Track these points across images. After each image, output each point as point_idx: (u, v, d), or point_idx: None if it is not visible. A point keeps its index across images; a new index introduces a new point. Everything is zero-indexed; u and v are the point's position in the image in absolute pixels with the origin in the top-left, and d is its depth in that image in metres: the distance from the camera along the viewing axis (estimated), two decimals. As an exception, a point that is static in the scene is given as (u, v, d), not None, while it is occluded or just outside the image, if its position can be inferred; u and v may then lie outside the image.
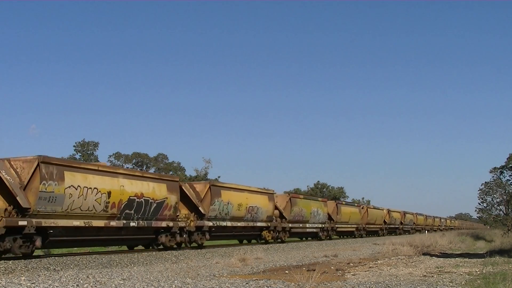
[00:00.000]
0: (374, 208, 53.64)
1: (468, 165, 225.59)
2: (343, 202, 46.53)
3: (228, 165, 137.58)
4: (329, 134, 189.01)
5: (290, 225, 32.53)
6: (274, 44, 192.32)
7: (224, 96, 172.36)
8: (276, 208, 31.22)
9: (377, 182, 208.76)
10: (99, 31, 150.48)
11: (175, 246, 22.66)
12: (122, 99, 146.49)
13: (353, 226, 45.64)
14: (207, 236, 24.50)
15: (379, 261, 19.25)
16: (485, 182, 56.75)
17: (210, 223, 24.39)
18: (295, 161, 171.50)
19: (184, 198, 23.34)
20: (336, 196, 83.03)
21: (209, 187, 24.38)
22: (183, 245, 23.73)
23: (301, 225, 34.41)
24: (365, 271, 15.24)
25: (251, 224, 28.14)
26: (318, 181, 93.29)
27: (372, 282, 11.89)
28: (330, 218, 39.77)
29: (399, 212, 63.09)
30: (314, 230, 36.98)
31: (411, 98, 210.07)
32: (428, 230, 74.08)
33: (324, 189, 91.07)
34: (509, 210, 52.60)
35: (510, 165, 49.80)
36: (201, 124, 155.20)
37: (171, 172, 66.79)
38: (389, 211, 57.13)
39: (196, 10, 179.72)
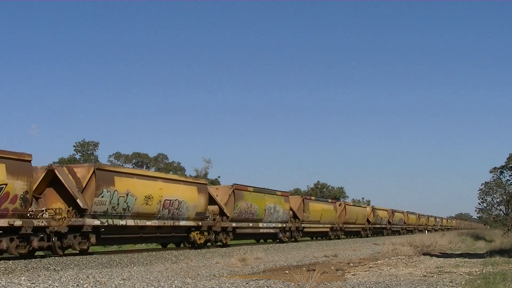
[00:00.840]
0: (355, 205, 49.53)
1: (468, 165, 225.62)
2: (313, 198, 39.85)
3: (228, 165, 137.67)
4: (329, 134, 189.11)
5: (234, 224, 26.62)
6: (274, 44, 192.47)
7: (224, 96, 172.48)
8: (216, 203, 26.12)
9: (377, 182, 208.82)
10: (99, 31, 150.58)
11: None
12: (122, 99, 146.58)
13: (326, 225, 39.70)
14: (93, 239, 18.71)
15: (379, 261, 19.25)
16: (485, 182, 56.87)
17: (96, 221, 18.46)
18: (295, 161, 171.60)
19: (58, 185, 18.31)
20: (336, 196, 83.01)
21: (94, 171, 18.39)
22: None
23: (250, 224, 28.35)
24: (365, 271, 15.24)
25: (170, 223, 22.10)
26: (318, 181, 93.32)
27: (372, 282, 11.90)
28: (295, 216, 34.46)
29: (386, 210, 58.17)
30: (271, 230, 31.01)
31: (411, 98, 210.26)
32: (421, 231, 71.69)
33: (324, 189, 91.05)
34: (509, 210, 52.63)
35: (510, 165, 49.84)
36: (201, 124, 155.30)
37: (171, 172, 66.81)
38: (373, 209, 53.00)
39: (196, 10, 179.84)
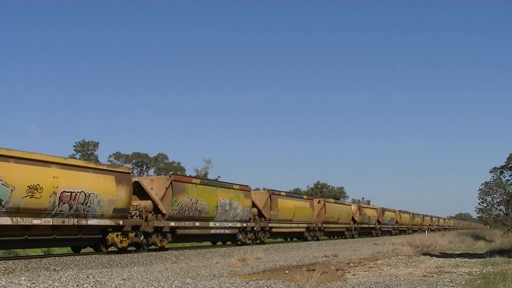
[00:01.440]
0: (337, 202, 44.96)
1: (468, 165, 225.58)
2: (283, 193, 33.55)
3: (228, 165, 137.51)
4: (329, 134, 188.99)
5: (172, 223, 22.36)
6: (274, 44, 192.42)
7: (224, 96, 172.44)
8: (149, 197, 22.05)
9: (377, 182, 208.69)
10: (99, 31, 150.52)
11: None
12: (122, 99, 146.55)
13: (301, 225, 35.23)
14: None
15: (379, 261, 19.26)
16: (485, 182, 56.78)
17: None
18: (295, 161, 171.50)
19: None
20: (336, 196, 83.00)
21: None
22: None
23: (197, 224, 24.06)
24: (365, 271, 15.24)
25: (73, 221, 17.54)
26: (318, 181, 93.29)
27: (372, 282, 11.90)
28: (260, 214, 30.58)
29: (375, 208, 54.72)
30: (228, 231, 26.78)
31: (411, 98, 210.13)
32: (416, 231, 69.49)
33: (324, 189, 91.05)
34: (509, 210, 52.59)
35: (510, 165, 49.81)
36: (201, 124, 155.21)
37: (171, 172, 66.76)
38: (360, 207, 49.38)
39: (196, 10, 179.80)
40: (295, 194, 42.08)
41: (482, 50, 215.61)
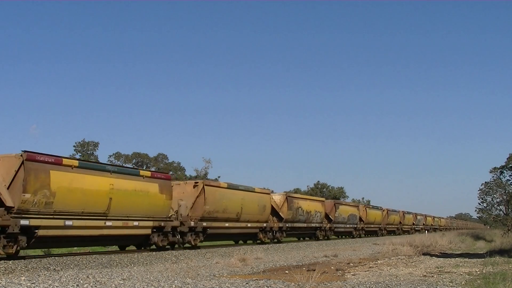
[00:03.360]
0: (306, 198, 38.14)
1: (468, 165, 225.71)
2: (223, 185, 26.44)
3: (228, 165, 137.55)
4: (329, 134, 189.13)
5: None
6: (274, 44, 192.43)
7: (224, 96, 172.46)
8: None
9: (377, 182, 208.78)
10: (99, 31, 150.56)
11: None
12: (122, 99, 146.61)
13: (250, 224, 28.29)
14: None
15: (379, 261, 19.26)
16: (485, 182, 56.75)
17: None
18: (295, 161, 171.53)
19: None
20: (336, 196, 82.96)
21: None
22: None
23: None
24: (365, 271, 15.24)
25: None
26: (318, 181, 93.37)
27: (372, 282, 11.90)
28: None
29: (356, 206, 49.18)
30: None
31: (411, 98, 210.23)
32: (407, 231, 64.98)
33: (324, 189, 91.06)
34: (509, 210, 52.58)
35: (510, 165, 49.79)
36: (201, 124, 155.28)
37: (171, 172, 66.74)
38: (336, 203, 42.95)
39: (196, 10, 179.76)
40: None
41: (482, 50, 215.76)
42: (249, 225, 28.97)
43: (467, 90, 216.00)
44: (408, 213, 68.86)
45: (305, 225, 36.07)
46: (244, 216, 28.14)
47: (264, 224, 30.48)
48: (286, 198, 33.95)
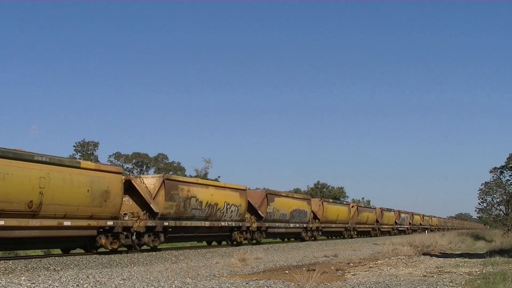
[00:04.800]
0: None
1: (468, 165, 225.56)
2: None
3: (228, 165, 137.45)
4: (329, 134, 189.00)
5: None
6: (274, 44, 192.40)
7: (224, 96, 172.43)
8: None
9: (377, 182, 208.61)
10: (99, 31, 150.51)
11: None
12: (122, 99, 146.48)
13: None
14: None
15: (379, 261, 19.26)
16: (485, 182, 56.91)
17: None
18: (295, 161, 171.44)
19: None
20: (336, 196, 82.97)
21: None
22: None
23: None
24: (365, 271, 15.24)
25: None
26: (318, 181, 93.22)
27: (372, 282, 11.90)
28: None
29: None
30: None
31: (411, 98, 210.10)
32: (403, 231, 60.76)
33: (324, 189, 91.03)
34: (509, 210, 52.65)
35: (510, 165, 49.84)
36: (201, 124, 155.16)
37: (171, 172, 66.81)
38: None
39: (196, 10, 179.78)
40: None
41: (482, 50, 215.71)
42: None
43: (467, 90, 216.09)
44: (388, 210, 56.94)
45: (207, 224, 23.94)
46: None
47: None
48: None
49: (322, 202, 38.30)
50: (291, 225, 32.89)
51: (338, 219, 40.72)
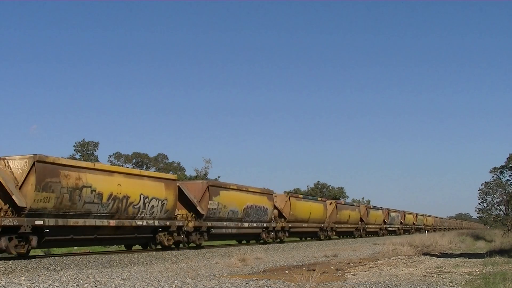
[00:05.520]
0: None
1: (468, 165, 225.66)
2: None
3: (228, 165, 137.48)
4: (329, 134, 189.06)
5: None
6: (274, 44, 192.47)
7: (224, 96, 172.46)
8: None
9: (377, 182, 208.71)
10: (99, 31, 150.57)
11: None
12: (122, 99, 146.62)
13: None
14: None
15: (379, 261, 19.26)
16: (485, 182, 56.95)
17: None
18: (295, 161, 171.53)
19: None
20: (336, 196, 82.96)
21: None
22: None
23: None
24: (365, 271, 15.24)
25: None
26: (318, 181, 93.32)
27: (372, 282, 11.89)
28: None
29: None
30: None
31: (411, 98, 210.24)
32: (394, 231, 56.90)
33: (324, 189, 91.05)
34: (509, 210, 52.66)
35: (510, 165, 49.86)
36: (201, 124, 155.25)
37: (171, 172, 66.79)
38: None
39: (196, 10, 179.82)
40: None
41: (482, 50, 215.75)
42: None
43: (467, 90, 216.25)
44: (376, 208, 52.04)
45: (112, 222, 18.76)
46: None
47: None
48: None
49: (289, 198, 32.99)
50: (246, 224, 27.47)
51: (310, 217, 35.47)
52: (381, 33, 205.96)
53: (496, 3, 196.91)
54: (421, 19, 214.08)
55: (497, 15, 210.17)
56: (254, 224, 28.41)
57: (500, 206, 55.47)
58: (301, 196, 36.43)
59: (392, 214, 57.29)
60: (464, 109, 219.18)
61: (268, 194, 30.87)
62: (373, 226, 50.60)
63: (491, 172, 55.04)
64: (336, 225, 40.76)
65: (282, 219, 31.97)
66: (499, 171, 53.38)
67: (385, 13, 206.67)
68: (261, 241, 29.83)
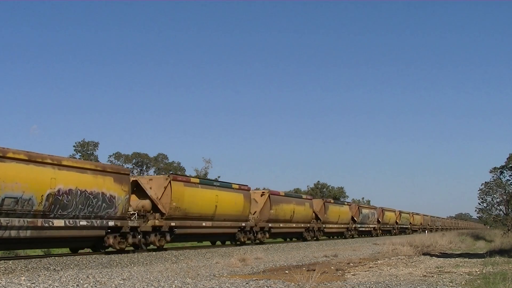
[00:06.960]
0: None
1: (468, 165, 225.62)
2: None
3: (228, 165, 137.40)
4: (329, 134, 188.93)
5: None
6: (274, 44, 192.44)
7: (224, 96, 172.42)
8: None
9: (377, 182, 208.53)
10: (99, 31, 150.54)
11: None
12: (122, 99, 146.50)
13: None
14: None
15: (379, 261, 19.26)
16: (485, 182, 56.91)
17: None
18: (295, 161, 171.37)
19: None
20: (336, 196, 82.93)
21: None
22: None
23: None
24: (365, 271, 15.24)
25: None
26: (318, 181, 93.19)
27: (372, 282, 11.89)
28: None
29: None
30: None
31: (411, 98, 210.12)
32: (389, 231, 55.02)
33: (324, 189, 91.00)
34: (509, 210, 52.64)
35: (510, 165, 49.85)
36: (201, 124, 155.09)
37: (171, 172, 66.73)
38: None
39: (196, 10, 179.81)
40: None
41: (482, 50, 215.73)
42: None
43: (467, 90, 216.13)
44: (340, 204, 44.02)
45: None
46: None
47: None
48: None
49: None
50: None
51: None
52: (381, 33, 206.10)
53: (496, 3, 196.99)
54: (421, 19, 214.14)
55: (497, 15, 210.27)
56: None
57: (500, 206, 55.45)
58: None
59: (365, 211, 48.56)
60: (464, 109, 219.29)
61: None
62: (336, 226, 41.39)
63: (491, 172, 55.03)
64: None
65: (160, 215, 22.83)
66: (499, 171, 53.37)
67: (385, 13, 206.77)
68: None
